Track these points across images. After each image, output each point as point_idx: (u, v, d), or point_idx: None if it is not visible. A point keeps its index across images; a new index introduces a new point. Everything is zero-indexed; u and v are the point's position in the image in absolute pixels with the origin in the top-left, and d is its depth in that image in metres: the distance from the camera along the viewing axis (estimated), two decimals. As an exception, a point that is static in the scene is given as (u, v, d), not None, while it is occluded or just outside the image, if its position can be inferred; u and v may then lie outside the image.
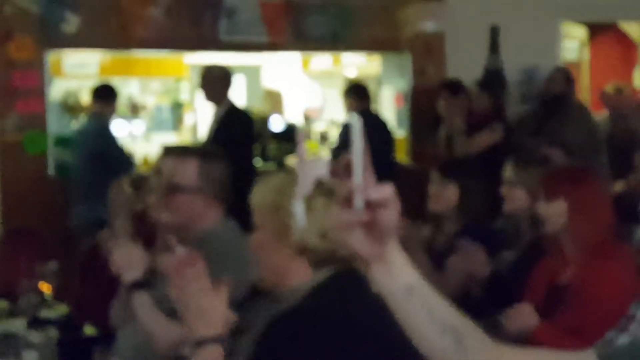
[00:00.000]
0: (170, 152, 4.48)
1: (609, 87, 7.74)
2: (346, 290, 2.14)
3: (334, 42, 7.01)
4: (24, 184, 6.23)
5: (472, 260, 3.60)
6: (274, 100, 7.60)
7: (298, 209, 2.11)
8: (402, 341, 1.67)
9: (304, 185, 2.16)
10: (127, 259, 2.86)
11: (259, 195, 2.24)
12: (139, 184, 4.36)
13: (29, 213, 6.04)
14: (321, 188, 2.16)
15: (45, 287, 3.77)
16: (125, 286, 2.85)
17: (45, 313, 3.64)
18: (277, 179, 2.25)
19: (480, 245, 3.66)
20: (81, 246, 5.40)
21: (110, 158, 6.17)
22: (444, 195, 3.96)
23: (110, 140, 6.35)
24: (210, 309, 2.10)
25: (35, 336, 3.17)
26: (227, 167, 3.06)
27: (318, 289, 2.15)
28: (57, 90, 7.57)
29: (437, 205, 3.99)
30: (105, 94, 6.50)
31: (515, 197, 3.71)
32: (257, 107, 8.37)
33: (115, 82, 8.87)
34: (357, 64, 8.40)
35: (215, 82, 6.16)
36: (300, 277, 2.17)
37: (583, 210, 3.09)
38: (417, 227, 3.99)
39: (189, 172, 2.96)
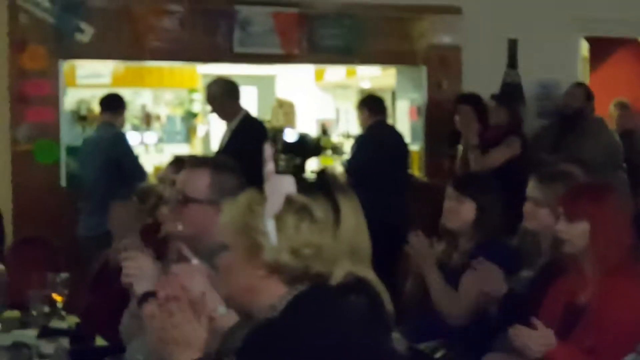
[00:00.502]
0: (178, 162, 4.49)
1: (615, 103, 7.71)
2: (319, 306, 2.12)
3: (348, 54, 6.97)
4: (35, 194, 6.20)
5: (488, 280, 3.56)
6: (287, 111, 7.55)
7: (269, 227, 2.08)
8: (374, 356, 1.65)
9: (274, 203, 2.13)
10: (138, 270, 2.81)
11: (228, 215, 2.20)
12: (145, 197, 4.35)
13: (40, 223, 6.02)
14: (291, 205, 2.14)
15: (56, 298, 3.73)
16: (136, 298, 2.80)
17: (56, 323, 3.63)
18: (246, 197, 2.19)
19: (497, 263, 3.61)
20: (90, 257, 5.39)
21: (120, 168, 6.11)
22: (460, 211, 3.90)
23: (120, 149, 6.27)
24: (192, 335, 2.09)
25: (46, 346, 3.16)
26: (240, 179, 3.02)
27: (292, 306, 2.11)
28: (69, 100, 7.54)
29: (452, 222, 3.93)
30: (113, 104, 6.44)
31: (539, 215, 3.63)
32: (269, 118, 8.34)
33: (128, 92, 8.89)
34: (371, 76, 8.34)
35: (222, 100, 6.11)
36: (273, 296, 2.13)
37: (604, 230, 3.07)
38: (432, 244, 3.94)
39: (200, 183, 2.94)
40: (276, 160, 7.51)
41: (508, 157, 6.09)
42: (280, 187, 2.15)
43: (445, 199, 3.97)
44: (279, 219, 2.10)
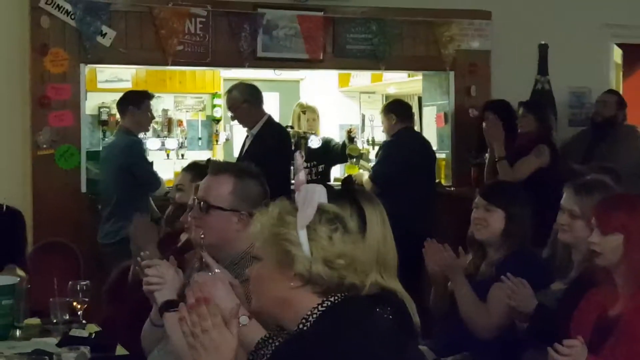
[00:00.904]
0: (194, 169, 4.43)
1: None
2: (350, 318, 2.09)
3: (375, 59, 6.87)
4: (56, 199, 6.15)
5: (517, 295, 3.48)
6: (310, 117, 7.44)
7: (302, 237, 1.99)
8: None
9: (306, 213, 2.06)
10: (160, 279, 2.77)
11: (259, 225, 2.17)
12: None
13: (60, 228, 5.96)
14: (323, 215, 2.09)
15: (77, 305, 3.70)
16: (158, 306, 2.76)
17: (77, 332, 3.58)
18: (277, 207, 2.16)
19: (526, 274, 3.54)
20: (108, 264, 5.33)
21: (133, 175, 6.00)
22: (489, 221, 3.82)
23: (131, 157, 6.10)
24: (222, 343, 2.02)
25: (66, 355, 3.08)
26: (264, 185, 2.98)
27: (323, 318, 2.09)
28: (90, 104, 7.46)
29: (481, 233, 3.85)
30: (120, 107, 6.27)
31: (575, 227, 3.55)
32: (292, 124, 8.25)
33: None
34: (397, 81, 8.24)
35: (243, 106, 6.02)
36: (304, 307, 2.11)
37: (638, 242, 2.99)
38: (460, 255, 3.85)
39: (223, 190, 2.91)
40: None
41: (537, 167, 5.95)
42: (312, 196, 2.11)
43: (473, 208, 3.87)
44: (311, 229, 2.08)
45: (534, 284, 3.53)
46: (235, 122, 6.27)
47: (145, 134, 6.84)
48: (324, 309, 2.09)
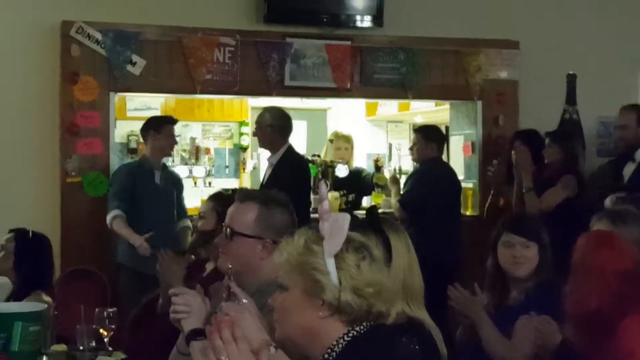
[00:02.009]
0: (218, 198, 4.44)
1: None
2: (377, 348, 2.07)
3: (402, 88, 6.87)
4: (83, 226, 6.20)
5: (542, 333, 3.44)
6: (344, 145, 7.45)
7: (330, 266, 1.98)
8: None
9: (334, 242, 2.05)
10: (187, 307, 2.78)
11: (285, 254, 2.16)
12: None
13: (87, 255, 6.03)
14: (351, 243, 2.08)
15: (103, 332, 3.71)
16: (184, 334, 2.77)
17: (103, 359, 3.61)
18: (302, 236, 2.15)
19: (554, 307, 3.44)
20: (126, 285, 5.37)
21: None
22: (529, 257, 3.75)
23: (113, 176, 6.14)
24: None
25: None
26: (291, 214, 2.98)
27: (350, 348, 2.07)
28: (119, 132, 7.51)
29: (523, 270, 3.76)
30: (149, 125, 6.23)
31: None
32: (319, 152, 8.25)
33: (178, 125, 8.83)
34: (425, 110, 8.23)
35: (271, 130, 6.02)
36: (332, 337, 2.09)
37: None
38: (475, 292, 3.80)
39: (247, 217, 2.93)
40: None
41: (564, 198, 5.92)
42: (341, 225, 2.10)
43: (503, 247, 3.80)
44: (339, 257, 2.07)
45: (561, 314, 3.49)
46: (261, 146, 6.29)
47: (171, 160, 6.83)
48: (349, 338, 2.07)
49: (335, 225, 2.10)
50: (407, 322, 2.31)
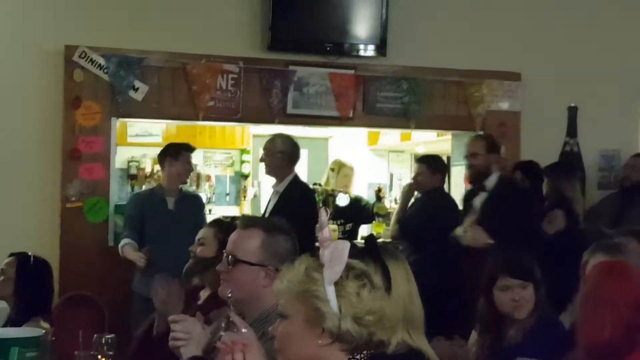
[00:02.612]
0: (218, 224, 4.42)
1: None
2: None
3: (405, 118, 6.87)
4: (83, 252, 6.17)
5: None
6: (346, 174, 7.45)
7: (330, 294, 1.96)
8: None
9: (334, 269, 2.03)
10: (186, 334, 2.77)
11: (285, 282, 2.14)
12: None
13: (86, 281, 5.96)
14: (351, 271, 2.07)
15: (102, 359, 3.64)
16: None
17: None
18: (303, 264, 2.14)
19: (553, 339, 3.54)
20: (135, 319, 5.32)
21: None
22: (527, 298, 3.74)
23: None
24: None
25: None
26: (293, 242, 2.96)
27: None
28: (119, 158, 7.50)
29: (524, 311, 3.75)
30: (166, 152, 6.20)
31: None
32: (321, 181, 8.25)
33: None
34: (426, 141, 8.24)
35: (280, 157, 5.99)
36: None
37: None
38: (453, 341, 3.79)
39: (251, 244, 2.89)
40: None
41: (552, 233, 5.94)
42: (341, 253, 2.09)
43: (499, 290, 3.78)
44: (339, 285, 2.06)
45: (560, 350, 3.46)
46: (264, 173, 6.24)
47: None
48: None
49: (335, 253, 2.08)
50: (408, 351, 2.28)
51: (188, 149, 6.23)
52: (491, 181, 5.93)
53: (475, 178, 6.10)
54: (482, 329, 3.84)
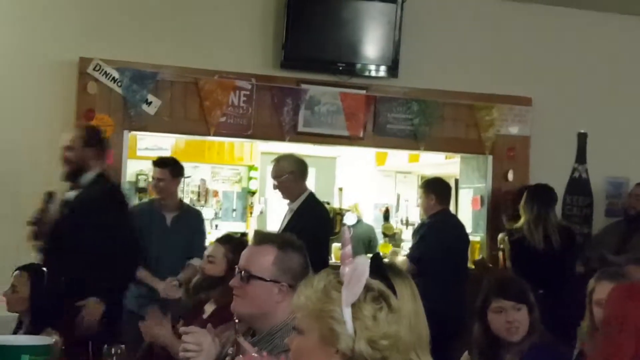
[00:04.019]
0: (227, 240, 4.42)
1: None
2: None
3: (415, 139, 6.89)
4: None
5: None
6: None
7: (346, 315, 1.97)
8: None
9: (352, 290, 2.03)
10: (197, 346, 2.78)
11: (303, 298, 2.13)
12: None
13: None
14: (369, 292, 2.06)
15: None
16: None
17: None
18: (322, 281, 2.13)
19: None
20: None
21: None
22: (522, 321, 3.74)
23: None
24: None
25: None
26: (306, 258, 2.95)
27: None
28: (128, 171, 7.53)
29: (519, 333, 3.75)
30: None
31: None
32: (328, 200, 8.28)
33: (188, 166, 8.87)
34: (434, 163, 8.26)
35: (290, 178, 5.98)
36: None
37: None
38: None
39: (265, 260, 2.89)
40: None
41: None
42: (360, 273, 2.08)
43: (494, 312, 3.77)
44: (356, 307, 2.04)
45: None
46: (276, 192, 6.20)
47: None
48: None
49: (354, 273, 2.07)
50: None
51: (154, 163, 6.18)
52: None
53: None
54: (478, 354, 3.84)
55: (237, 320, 2.84)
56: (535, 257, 5.92)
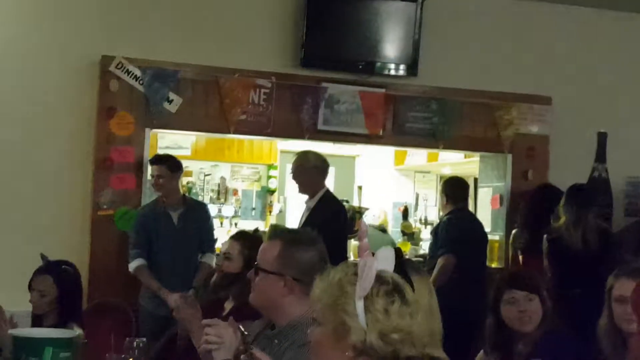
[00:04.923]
0: (239, 238, 4.46)
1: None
2: None
3: (433, 138, 6.90)
4: (113, 260, 6.20)
5: None
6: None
7: (359, 308, 2.01)
8: None
9: (365, 282, 2.05)
10: (219, 339, 2.79)
11: (320, 291, 2.15)
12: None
13: (113, 288, 6.03)
14: (382, 286, 2.07)
15: None
16: None
17: None
18: (338, 274, 2.14)
19: (564, 350, 3.58)
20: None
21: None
22: (534, 310, 3.77)
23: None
24: None
25: None
26: (320, 252, 2.97)
27: None
28: (149, 169, 7.59)
29: (532, 323, 3.78)
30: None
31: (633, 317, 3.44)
32: (347, 198, 8.29)
33: (207, 165, 8.94)
34: (453, 162, 8.26)
35: (310, 174, 6.03)
36: None
37: None
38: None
39: (270, 254, 2.95)
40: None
41: None
42: (371, 266, 2.08)
43: (507, 303, 3.80)
44: (369, 300, 2.05)
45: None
46: (293, 190, 6.23)
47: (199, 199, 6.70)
48: None
49: (367, 266, 2.08)
50: None
51: (151, 161, 6.23)
52: None
53: None
54: (491, 347, 3.87)
55: (246, 332, 2.86)
56: (572, 257, 5.91)
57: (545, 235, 6.07)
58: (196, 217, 6.09)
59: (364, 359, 2.06)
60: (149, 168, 6.30)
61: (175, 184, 6.08)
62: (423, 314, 2.21)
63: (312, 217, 5.86)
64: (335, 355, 2.10)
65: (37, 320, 4.38)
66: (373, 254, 2.15)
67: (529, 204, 6.51)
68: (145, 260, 5.88)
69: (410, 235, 7.66)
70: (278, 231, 3.19)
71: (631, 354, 3.41)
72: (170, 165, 6.02)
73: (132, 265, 5.89)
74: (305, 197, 6.09)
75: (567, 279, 5.77)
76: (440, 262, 6.13)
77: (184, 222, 6.00)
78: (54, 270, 4.44)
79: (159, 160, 6.10)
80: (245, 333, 2.79)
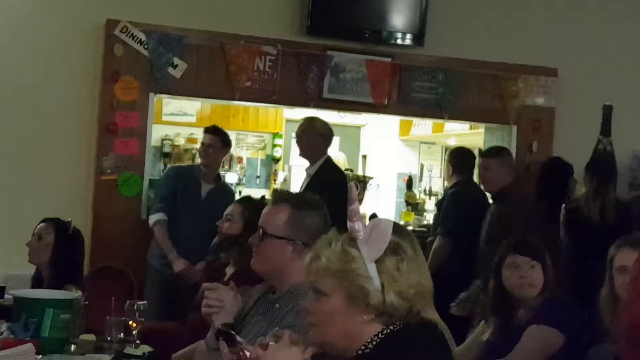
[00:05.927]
0: (242, 202, 4.46)
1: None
2: (406, 344, 2.10)
3: (439, 108, 6.88)
4: (116, 225, 6.23)
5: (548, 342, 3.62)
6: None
7: (372, 271, 2.03)
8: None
9: (376, 247, 2.07)
10: (219, 302, 2.84)
11: (325, 261, 2.15)
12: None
13: (117, 253, 6.03)
14: (388, 246, 2.10)
15: (133, 325, 3.76)
16: (214, 329, 2.80)
17: (130, 350, 3.63)
18: (338, 241, 2.15)
19: (564, 317, 3.68)
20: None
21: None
22: (536, 277, 3.79)
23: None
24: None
25: None
26: (324, 217, 2.98)
27: (384, 342, 2.09)
28: (154, 136, 7.57)
29: (533, 289, 3.82)
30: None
31: None
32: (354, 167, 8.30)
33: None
34: (458, 133, 8.24)
35: (314, 139, 6.03)
36: (369, 335, 2.12)
37: None
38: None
39: (278, 219, 2.93)
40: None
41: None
42: (384, 230, 2.11)
43: (509, 267, 3.84)
44: (379, 262, 2.09)
45: (571, 327, 3.64)
46: (296, 155, 6.23)
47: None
48: (384, 335, 2.10)
49: (376, 230, 2.10)
50: (424, 320, 2.29)
51: (206, 129, 6.29)
52: None
53: None
54: (491, 311, 3.88)
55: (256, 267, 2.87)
56: (588, 227, 5.91)
57: (563, 205, 6.08)
58: (222, 199, 6.01)
59: (379, 320, 2.10)
60: (153, 134, 6.31)
61: (219, 159, 6.26)
62: (423, 268, 2.23)
63: (311, 184, 5.88)
64: (348, 322, 2.11)
65: (36, 283, 4.40)
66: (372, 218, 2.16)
67: (543, 176, 6.49)
68: (166, 216, 5.92)
69: (414, 206, 7.64)
70: (285, 195, 3.18)
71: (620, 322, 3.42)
72: (223, 138, 6.16)
73: (153, 218, 5.95)
74: (307, 163, 6.10)
75: (582, 249, 5.78)
76: (435, 243, 6.12)
77: (210, 198, 6.04)
78: (57, 220, 4.47)
79: (214, 131, 6.20)
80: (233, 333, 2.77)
